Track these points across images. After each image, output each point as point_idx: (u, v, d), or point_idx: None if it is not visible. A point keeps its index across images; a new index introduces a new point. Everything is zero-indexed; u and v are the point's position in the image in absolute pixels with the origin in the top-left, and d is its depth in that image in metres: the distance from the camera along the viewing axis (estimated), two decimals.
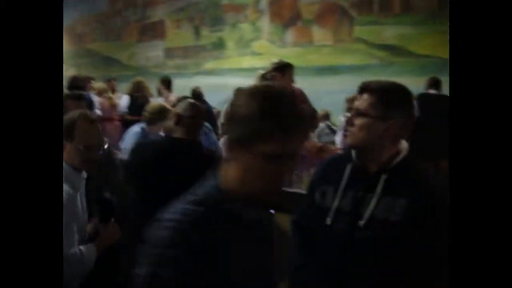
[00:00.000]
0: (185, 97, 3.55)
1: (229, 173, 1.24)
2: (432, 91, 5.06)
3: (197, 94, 6.31)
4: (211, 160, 2.61)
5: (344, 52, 8.23)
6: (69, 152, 2.13)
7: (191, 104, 2.70)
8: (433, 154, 3.38)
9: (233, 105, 1.22)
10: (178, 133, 2.63)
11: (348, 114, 4.71)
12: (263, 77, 3.48)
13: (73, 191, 2.11)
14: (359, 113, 1.76)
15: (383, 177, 1.73)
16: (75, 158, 2.12)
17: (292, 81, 3.85)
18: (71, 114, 2.18)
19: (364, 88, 1.78)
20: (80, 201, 2.18)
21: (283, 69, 3.47)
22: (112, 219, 2.33)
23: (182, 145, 2.61)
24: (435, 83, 5.14)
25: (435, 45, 7.17)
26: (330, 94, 7.09)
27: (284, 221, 2.53)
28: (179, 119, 2.63)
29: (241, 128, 1.17)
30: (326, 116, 6.37)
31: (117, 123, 6.62)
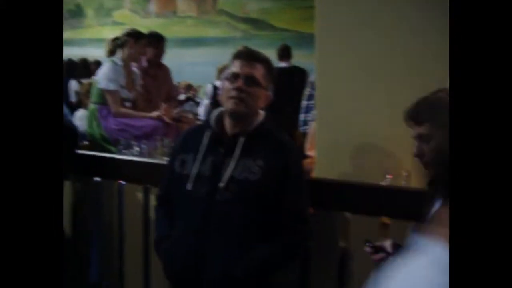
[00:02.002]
0: None
1: None
2: (283, 64, 5.20)
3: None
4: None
5: (208, 24, 8.25)
6: None
7: None
8: (286, 124, 3.54)
9: None
10: None
11: (218, 83, 4.76)
12: (114, 41, 3.35)
13: None
14: (253, 81, 1.79)
15: (241, 140, 1.81)
16: None
17: (163, 52, 3.80)
18: None
19: (254, 57, 1.83)
20: None
21: (137, 36, 3.37)
22: None
23: None
24: (285, 53, 5.29)
25: (294, 19, 7.48)
26: (194, 66, 7.09)
27: (136, 191, 2.50)
28: None
29: None
30: (189, 88, 6.36)
31: None
